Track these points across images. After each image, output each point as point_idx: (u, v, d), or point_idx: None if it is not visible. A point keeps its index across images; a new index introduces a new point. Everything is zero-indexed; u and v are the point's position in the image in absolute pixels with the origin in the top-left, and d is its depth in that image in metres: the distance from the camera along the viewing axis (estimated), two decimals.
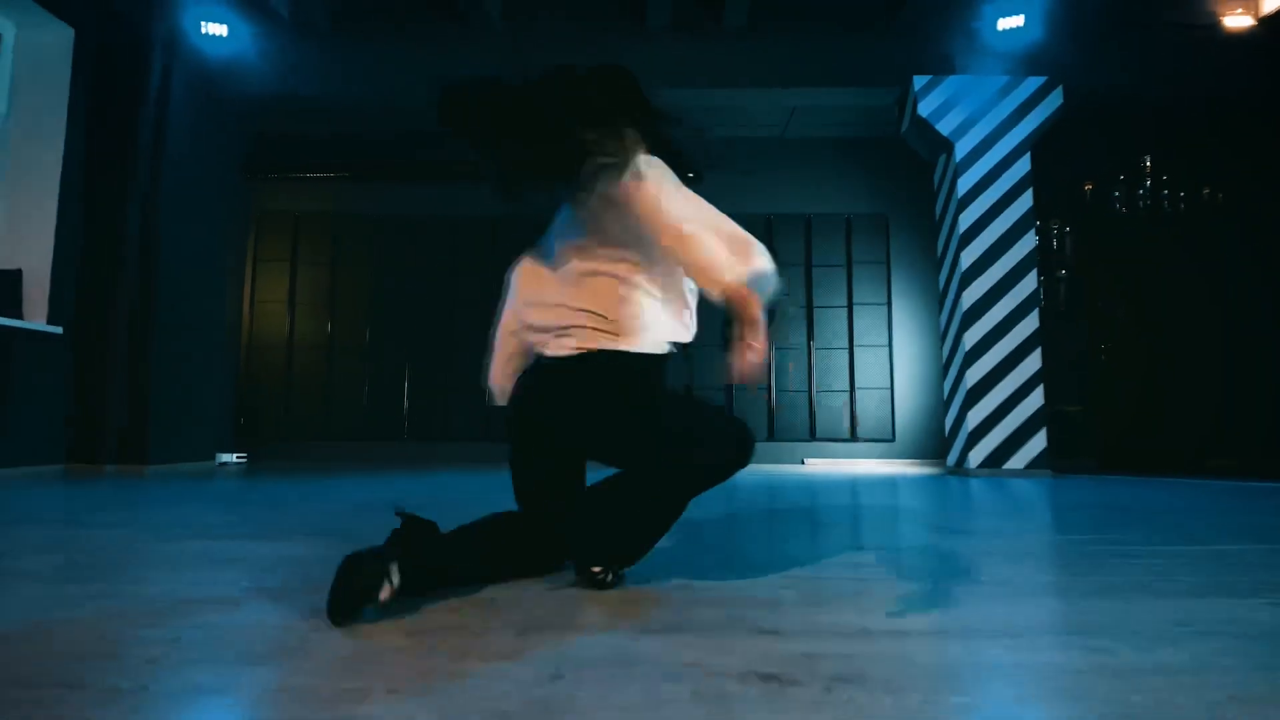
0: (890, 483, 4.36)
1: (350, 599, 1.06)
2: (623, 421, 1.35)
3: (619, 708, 0.79)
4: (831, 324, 6.37)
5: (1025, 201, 5.08)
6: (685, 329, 1.44)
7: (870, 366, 6.28)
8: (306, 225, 6.38)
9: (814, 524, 2.39)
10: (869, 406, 6.23)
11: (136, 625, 1.09)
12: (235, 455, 5.45)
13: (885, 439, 6.20)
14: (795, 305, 6.31)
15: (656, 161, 1.39)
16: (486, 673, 0.89)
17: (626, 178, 1.33)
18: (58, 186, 4.25)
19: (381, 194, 6.43)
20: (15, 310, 4.05)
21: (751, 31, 5.22)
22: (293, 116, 5.96)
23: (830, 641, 1.03)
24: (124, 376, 4.46)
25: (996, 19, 4.95)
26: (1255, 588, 1.40)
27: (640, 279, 1.38)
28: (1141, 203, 6.16)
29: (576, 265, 1.44)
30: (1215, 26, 4.95)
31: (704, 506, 2.54)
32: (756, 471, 5.25)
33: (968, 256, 5.07)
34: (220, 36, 4.81)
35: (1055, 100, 5.09)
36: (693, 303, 1.46)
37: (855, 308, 6.36)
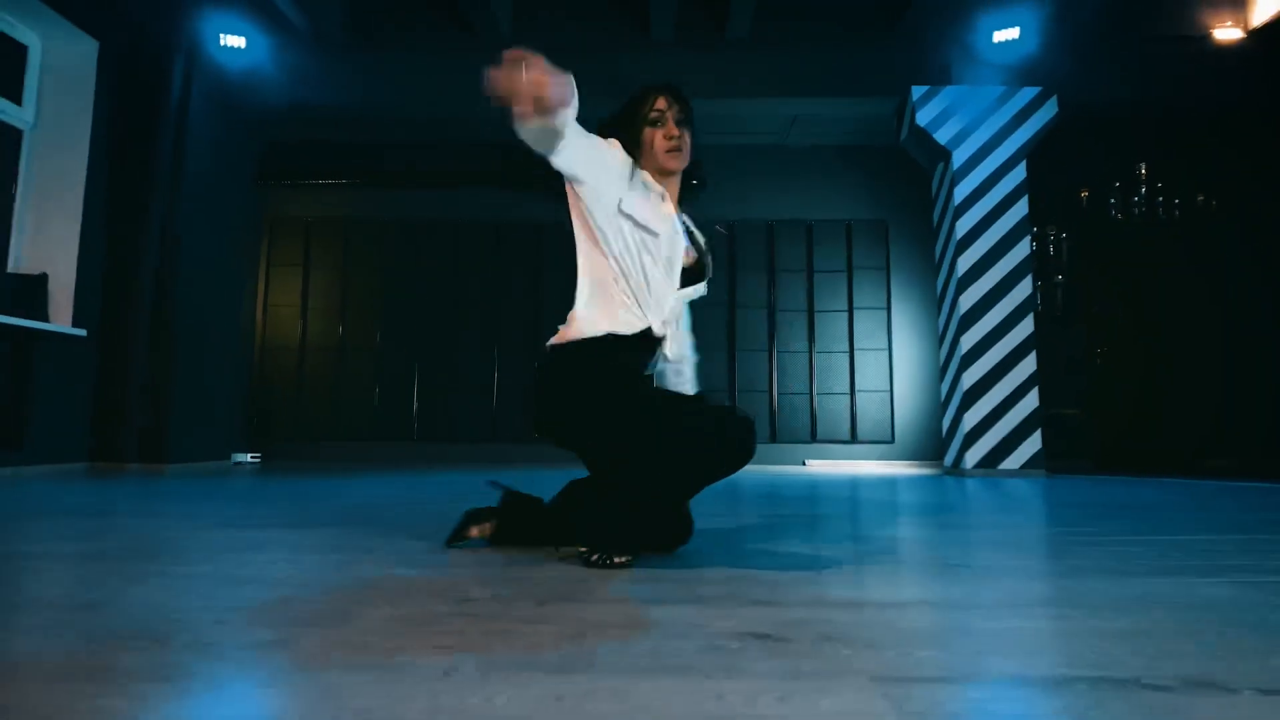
0: (889, 482, 4.48)
1: (460, 531, 1.67)
2: (556, 416, 1.54)
3: (635, 656, 0.91)
4: (832, 328, 6.49)
5: (1021, 209, 5.21)
6: (623, 322, 1.53)
7: (870, 369, 6.41)
8: (318, 230, 6.53)
9: (813, 518, 2.52)
10: (869, 408, 6.35)
11: (197, 596, 1.22)
12: (249, 455, 5.59)
13: (885, 440, 6.32)
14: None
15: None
16: (518, 631, 1.02)
17: None
18: (82, 193, 4.40)
19: (391, 200, 6.57)
20: (41, 313, 4.19)
21: (753, 42, 5.36)
22: (306, 124, 6.11)
23: (819, 610, 1.16)
24: (144, 377, 4.60)
25: (993, 31, 5.08)
26: (1209, 570, 1.52)
27: (581, 274, 1.58)
28: (1137, 209, 6.28)
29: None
30: (1206, 38, 5.08)
31: (708, 506, 2.66)
32: (759, 472, 5.38)
33: (964, 262, 5.19)
34: (238, 48, 4.96)
35: (1050, 110, 5.22)
36: (651, 300, 1.56)
37: (855, 312, 6.49)
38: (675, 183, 1.66)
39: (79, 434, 4.37)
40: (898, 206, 6.49)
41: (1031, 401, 5.10)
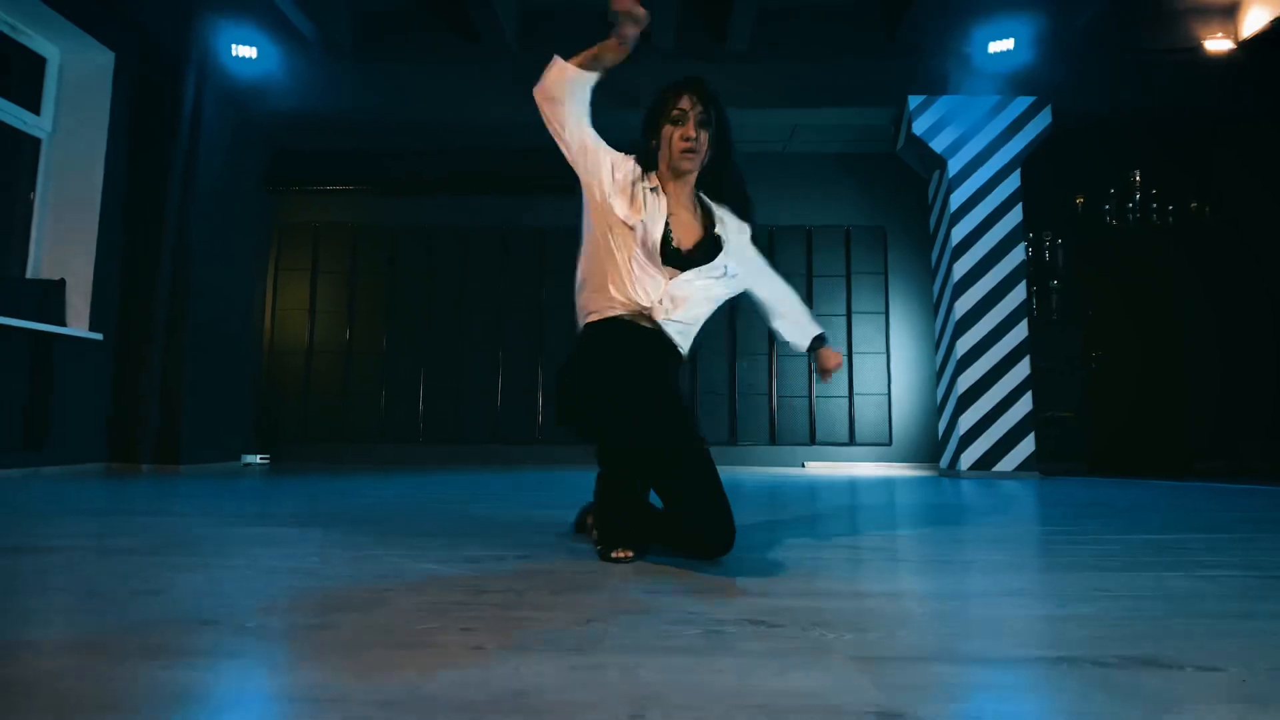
0: (885, 483, 4.58)
1: (581, 521, 1.96)
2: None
3: (641, 638, 1.02)
4: (831, 332, 6.59)
5: (1015, 216, 5.32)
6: (611, 305, 1.66)
7: (868, 373, 6.51)
8: (326, 235, 6.64)
9: (811, 516, 2.62)
10: (867, 411, 6.45)
11: (238, 586, 1.33)
12: (259, 456, 5.70)
13: (882, 443, 6.42)
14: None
15: None
16: (535, 617, 1.13)
17: None
18: (99, 201, 4.52)
19: (397, 205, 6.69)
20: (59, 318, 4.31)
21: (752, 55, 5.47)
22: (314, 132, 6.23)
23: (811, 600, 1.26)
24: (159, 380, 4.72)
25: (987, 42, 5.19)
26: (1175, 565, 1.63)
27: (579, 260, 1.75)
28: (1131, 215, 6.38)
29: None
30: (1197, 50, 5.18)
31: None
32: (759, 473, 5.48)
33: (960, 268, 5.30)
34: (249, 58, 5.08)
35: (1044, 119, 5.32)
36: (637, 278, 1.65)
37: (854, 316, 6.59)
38: (688, 181, 1.75)
39: (96, 435, 4.48)
40: (896, 213, 6.59)
41: (1025, 405, 5.20)
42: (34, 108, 4.46)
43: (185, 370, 4.79)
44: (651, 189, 1.71)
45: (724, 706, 0.77)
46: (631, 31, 1.58)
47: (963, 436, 5.20)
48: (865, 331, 6.56)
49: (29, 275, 4.38)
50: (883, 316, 6.58)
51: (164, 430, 4.69)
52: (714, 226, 1.75)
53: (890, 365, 6.51)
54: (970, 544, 1.98)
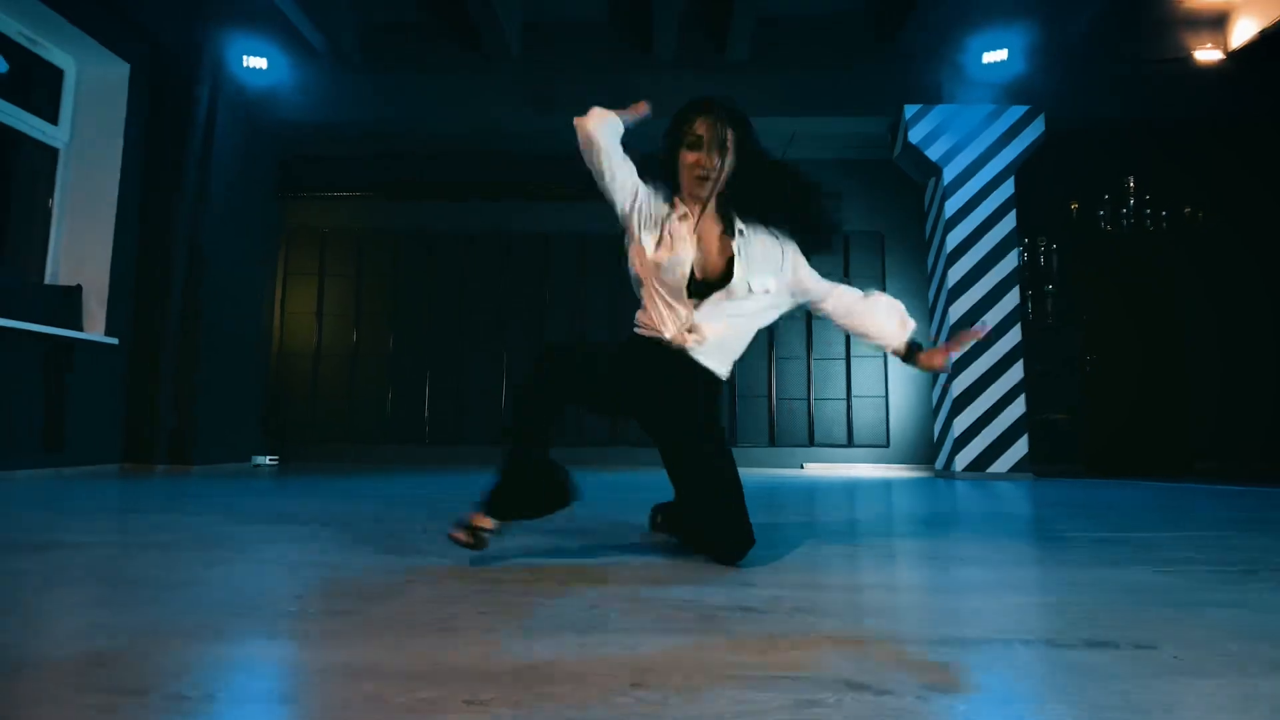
0: (882, 484, 4.68)
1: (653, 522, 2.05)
2: None
3: (642, 621, 1.13)
4: (829, 335, 6.70)
5: (1009, 223, 5.42)
6: (647, 328, 1.74)
7: (866, 376, 6.61)
8: (333, 240, 6.77)
9: (808, 515, 2.73)
10: (865, 413, 6.55)
11: (270, 577, 1.44)
12: (268, 457, 5.82)
13: (880, 444, 6.52)
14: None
15: None
16: (544, 603, 1.24)
17: None
18: (115, 208, 4.64)
19: (403, 211, 6.81)
20: (76, 323, 4.43)
21: (752, 64, 5.59)
22: (322, 139, 6.35)
23: (796, 590, 1.37)
24: (172, 383, 4.84)
25: (982, 53, 5.30)
26: (1149, 560, 1.73)
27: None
28: (1125, 220, 6.49)
29: None
30: (1187, 60, 5.29)
31: None
32: (759, 474, 5.59)
33: (955, 274, 5.41)
34: (260, 69, 5.20)
35: (1038, 128, 5.43)
36: (665, 313, 1.71)
37: None
38: (707, 204, 1.71)
39: (111, 437, 4.60)
40: (893, 218, 6.70)
41: (1019, 408, 5.30)
42: (52, 118, 4.58)
43: (198, 373, 4.91)
44: (680, 217, 1.69)
45: (712, 676, 0.88)
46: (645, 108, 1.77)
47: (957, 439, 5.31)
48: None
49: (47, 281, 4.50)
50: None
51: (177, 432, 4.81)
52: (731, 239, 1.71)
53: (888, 368, 6.61)
54: (955, 541, 2.08)
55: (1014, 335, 5.35)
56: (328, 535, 2.01)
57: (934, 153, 5.46)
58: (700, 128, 1.66)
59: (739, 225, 1.72)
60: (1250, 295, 6.11)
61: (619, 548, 1.87)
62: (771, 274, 1.71)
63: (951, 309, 5.39)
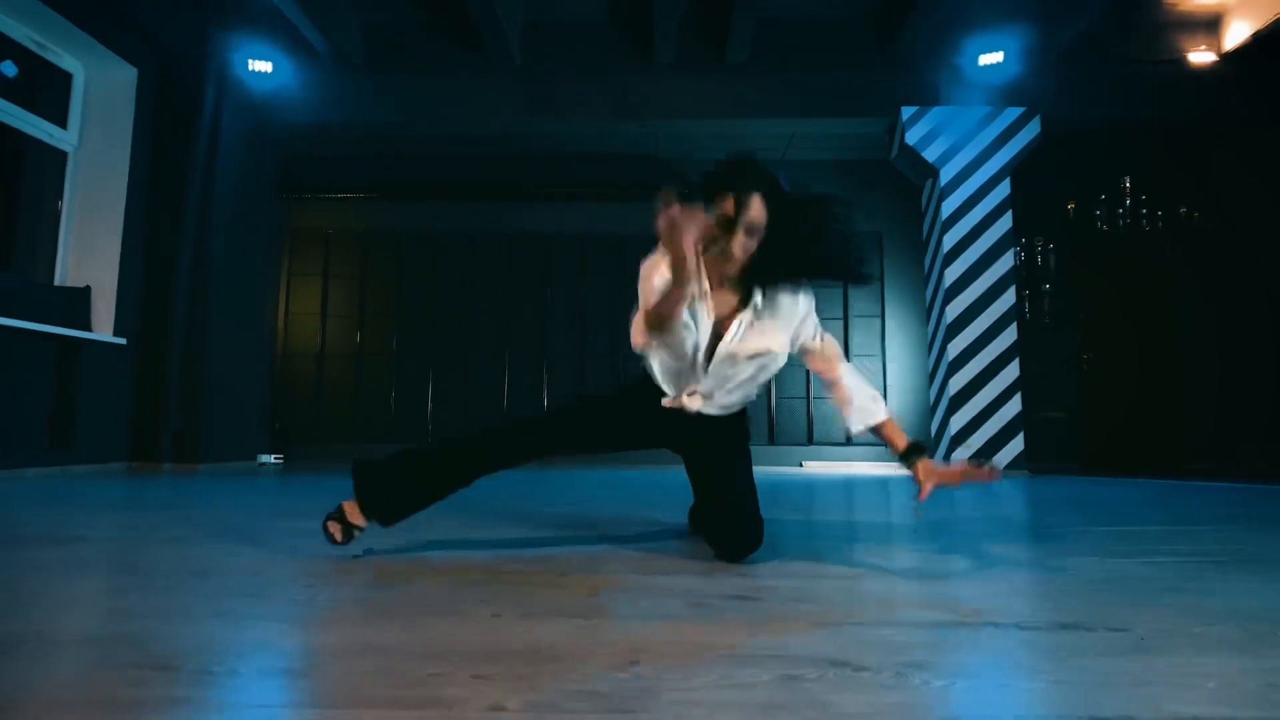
0: (879, 482, 4.74)
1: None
2: None
3: (638, 608, 1.19)
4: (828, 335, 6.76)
5: (1005, 223, 5.48)
6: (661, 386, 1.75)
7: (865, 376, 6.66)
8: (337, 241, 6.83)
9: (806, 512, 2.79)
10: None
11: (286, 566, 1.50)
12: (273, 456, 5.88)
13: (878, 443, 6.56)
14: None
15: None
16: (545, 593, 1.30)
17: None
18: (123, 211, 4.71)
19: (406, 212, 6.87)
20: (85, 324, 4.50)
21: (751, 67, 5.64)
22: (326, 141, 6.41)
23: (789, 579, 1.43)
24: (179, 382, 4.90)
25: (978, 55, 5.35)
26: (1132, 552, 1.79)
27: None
28: (1121, 220, 6.53)
29: None
30: (1181, 61, 5.34)
31: None
32: (758, 473, 5.63)
33: (951, 274, 5.46)
34: (265, 72, 5.26)
35: (1033, 129, 5.49)
36: (673, 378, 1.72)
37: (851, 320, 6.75)
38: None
39: (119, 435, 4.67)
40: (892, 219, 6.75)
41: (1015, 406, 5.36)
42: (61, 122, 4.65)
43: (204, 373, 4.98)
44: (701, 293, 1.61)
45: (702, 655, 0.94)
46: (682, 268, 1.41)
47: (954, 436, 5.36)
48: (862, 334, 6.72)
49: (57, 283, 4.56)
50: (878, 320, 6.74)
51: (183, 431, 4.87)
52: (745, 308, 1.65)
53: (886, 367, 6.67)
54: (945, 534, 2.14)
55: (1010, 334, 5.41)
56: None
57: (931, 154, 5.51)
58: (757, 213, 1.55)
59: (756, 299, 1.64)
60: (1246, 295, 6.16)
61: (619, 539, 1.93)
62: (782, 330, 1.67)
63: (948, 309, 5.45)
